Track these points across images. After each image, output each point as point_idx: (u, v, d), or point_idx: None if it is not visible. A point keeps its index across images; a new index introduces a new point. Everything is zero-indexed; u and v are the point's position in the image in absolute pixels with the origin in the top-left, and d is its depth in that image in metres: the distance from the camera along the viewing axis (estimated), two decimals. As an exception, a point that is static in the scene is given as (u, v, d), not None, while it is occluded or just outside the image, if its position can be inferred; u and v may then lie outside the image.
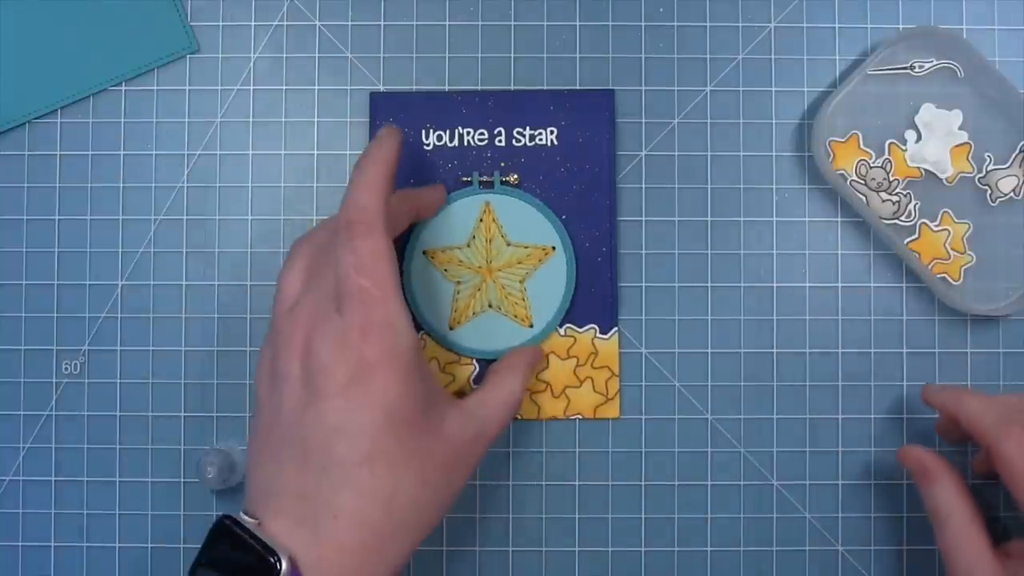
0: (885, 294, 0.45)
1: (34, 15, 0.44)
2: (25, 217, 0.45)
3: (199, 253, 0.45)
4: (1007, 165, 0.44)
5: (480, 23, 0.45)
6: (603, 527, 0.44)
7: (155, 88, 0.45)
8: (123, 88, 0.45)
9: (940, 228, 0.44)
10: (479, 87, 0.45)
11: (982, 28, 0.45)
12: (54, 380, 0.44)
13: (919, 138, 0.44)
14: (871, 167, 0.43)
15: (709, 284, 0.44)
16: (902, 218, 0.44)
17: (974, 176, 0.44)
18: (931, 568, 0.44)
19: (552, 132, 0.44)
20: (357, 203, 0.35)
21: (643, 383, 0.44)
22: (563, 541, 0.44)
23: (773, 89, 0.45)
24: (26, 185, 0.45)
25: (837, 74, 0.45)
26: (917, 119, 0.44)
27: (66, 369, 0.45)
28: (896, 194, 0.43)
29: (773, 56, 0.45)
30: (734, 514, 0.44)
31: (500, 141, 0.44)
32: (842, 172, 0.44)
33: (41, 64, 0.44)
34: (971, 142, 0.44)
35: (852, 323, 0.44)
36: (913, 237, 0.44)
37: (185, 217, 0.45)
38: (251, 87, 0.45)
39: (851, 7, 0.45)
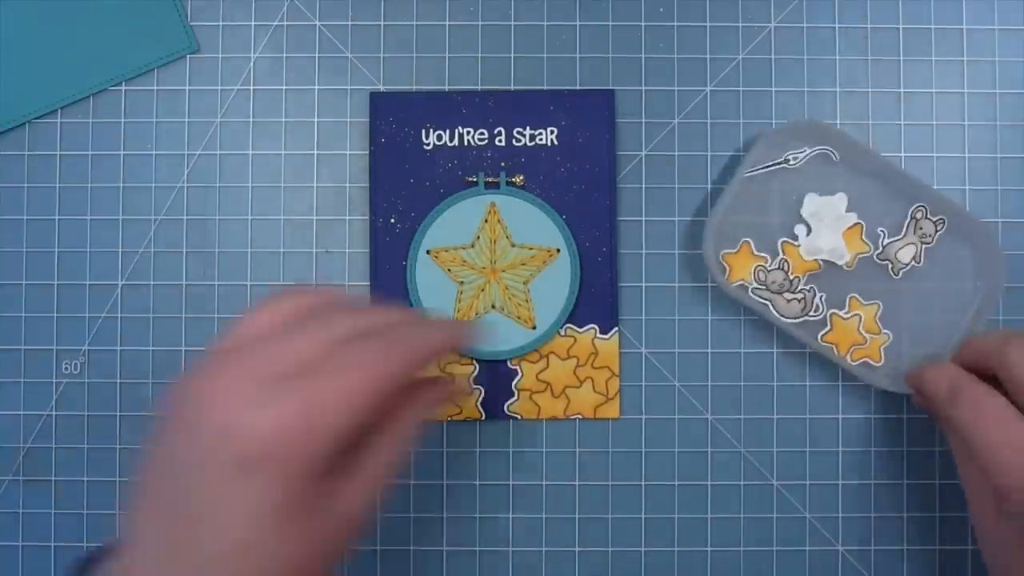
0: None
1: (34, 15, 0.44)
2: (25, 217, 0.45)
3: (199, 253, 0.45)
4: (902, 235, 0.43)
5: (480, 23, 0.45)
6: (603, 527, 0.44)
7: (155, 88, 0.45)
8: (123, 88, 0.45)
9: (851, 315, 0.43)
10: (479, 87, 0.45)
11: (982, 28, 0.45)
12: (54, 380, 0.44)
13: (809, 230, 0.43)
14: (769, 271, 0.43)
15: (709, 284, 0.44)
16: (811, 314, 0.43)
17: (872, 254, 0.43)
18: (931, 568, 0.44)
19: (552, 132, 0.44)
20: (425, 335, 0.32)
21: (643, 383, 0.44)
22: (563, 541, 0.44)
23: (773, 89, 0.45)
24: (26, 185, 0.45)
25: (710, 176, 0.45)
26: (803, 211, 0.43)
27: (66, 369, 0.44)
28: (800, 291, 0.43)
29: (773, 56, 0.45)
30: (734, 514, 0.44)
31: (500, 141, 0.44)
32: (741, 282, 0.43)
33: (41, 64, 0.44)
34: (861, 221, 0.43)
35: (852, 323, 0.45)
36: (826, 330, 0.43)
37: (185, 217, 0.45)
38: (251, 87, 0.45)
39: (851, 7, 0.45)
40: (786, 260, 0.43)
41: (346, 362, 0.30)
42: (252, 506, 0.29)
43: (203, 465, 0.29)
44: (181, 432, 0.30)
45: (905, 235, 0.43)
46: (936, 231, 0.43)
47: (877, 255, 0.44)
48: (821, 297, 0.43)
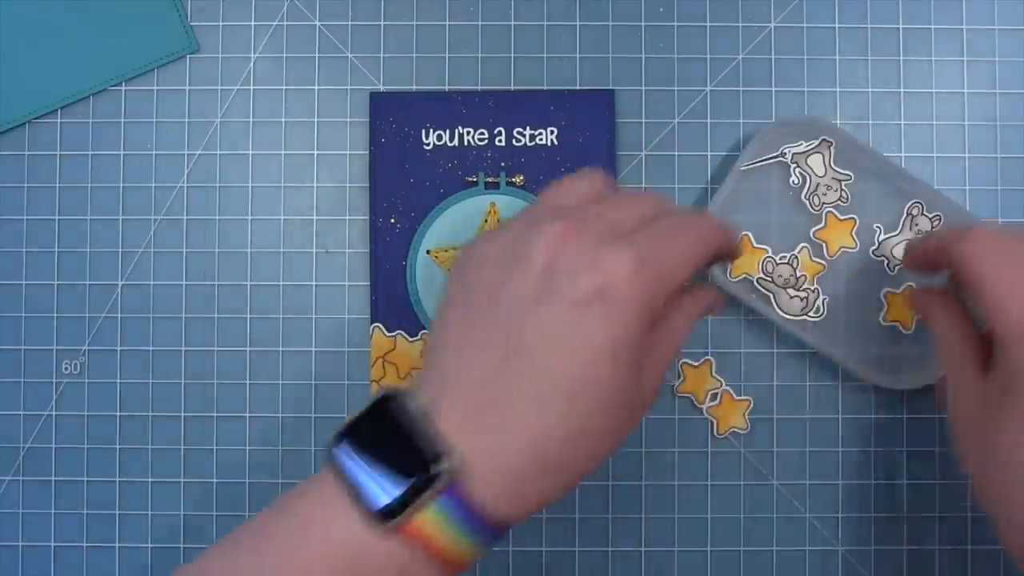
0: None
1: (34, 15, 0.44)
2: (25, 217, 0.45)
3: (199, 253, 0.45)
4: (897, 232, 0.43)
5: (480, 23, 0.45)
6: (603, 527, 0.44)
7: (155, 88, 0.45)
8: (123, 88, 0.45)
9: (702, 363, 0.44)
10: (479, 87, 0.45)
11: (982, 28, 0.45)
12: (54, 380, 0.44)
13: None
14: (777, 264, 0.43)
15: (711, 279, 0.44)
16: (810, 314, 0.43)
17: (861, 251, 0.43)
18: (931, 568, 0.44)
19: (552, 132, 0.44)
20: (712, 225, 0.34)
21: (643, 383, 0.44)
22: (563, 541, 0.44)
23: (773, 89, 0.45)
24: (26, 185, 0.45)
25: (710, 176, 0.45)
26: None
27: (66, 369, 0.44)
28: (804, 290, 0.43)
29: (773, 56, 0.45)
30: (734, 514, 0.44)
31: (500, 141, 0.44)
32: (744, 276, 0.43)
33: (41, 64, 0.44)
34: (854, 217, 0.44)
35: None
36: (679, 381, 0.44)
37: (185, 217, 0.45)
38: (251, 87, 0.45)
39: (851, 7, 0.45)
40: (796, 256, 0.43)
41: (674, 227, 0.32)
42: (596, 340, 0.30)
43: (549, 300, 0.30)
44: (518, 271, 0.31)
45: (901, 231, 0.43)
46: (932, 228, 0.43)
47: (873, 251, 0.44)
48: (823, 300, 0.43)
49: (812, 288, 0.43)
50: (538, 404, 0.30)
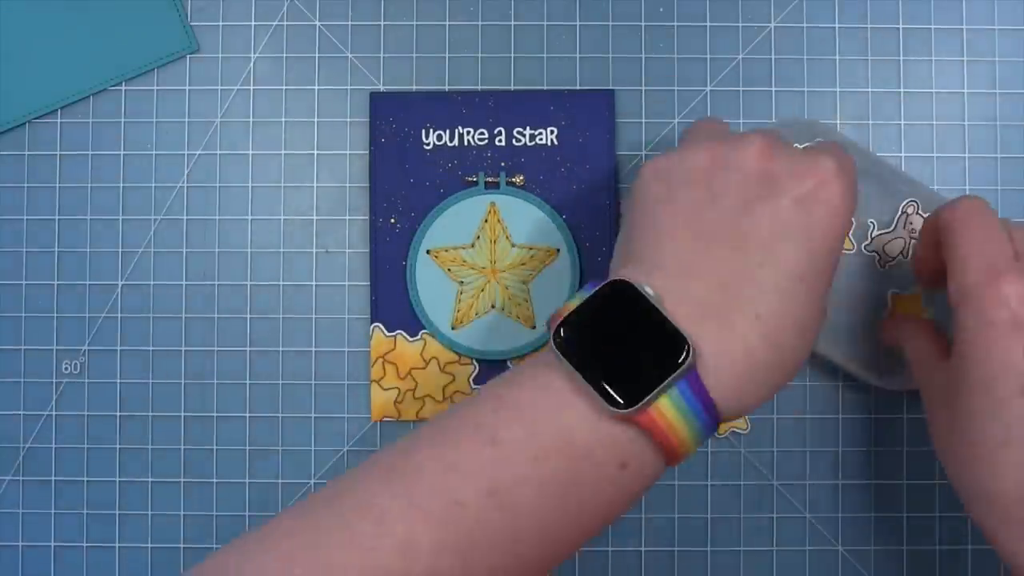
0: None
1: (34, 15, 0.44)
2: (25, 217, 0.45)
3: (199, 253, 0.45)
4: (891, 229, 0.44)
5: (480, 23, 0.45)
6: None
7: (155, 88, 0.45)
8: (123, 88, 0.45)
9: None
10: (479, 87, 0.45)
11: (982, 28, 0.45)
12: (54, 380, 0.44)
13: None
14: None
15: (709, 284, 0.44)
16: None
17: (859, 248, 0.43)
18: (931, 568, 0.44)
19: (552, 132, 0.44)
20: None
21: (643, 383, 0.44)
22: (563, 541, 0.44)
23: (773, 89, 0.45)
24: (26, 185, 0.45)
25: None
26: None
27: (66, 369, 0.44)
28: None
29: (773, 56, 0.45)
30: (734, 514, 0.44)
31: (500, 141, 0.44)
32: None
33: (41, 64, 0.44)
34: (851, 218, 0.43)
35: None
36: None
37: (185, 217, 0.45)
38: (251, 87, 0.45)
39: (851, 7, 0.45)
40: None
41: (836, 150, 0.34)
42: (822, 230, 0.31)
43: (775, 196, 0.32)
44: (737, 174, 0.32)
45: (894, 229, 0.43)
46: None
47: (865, 246, 0.44)
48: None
49: None
50: (773, 290, 0.31)
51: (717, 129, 0.37)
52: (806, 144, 0.43)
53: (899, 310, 0.43)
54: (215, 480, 0.44)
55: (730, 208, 0.32)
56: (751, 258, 0.31)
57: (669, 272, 0.31)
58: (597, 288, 0.31)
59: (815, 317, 0.32)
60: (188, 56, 0.45)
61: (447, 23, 0.45)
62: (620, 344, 0.30)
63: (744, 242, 0.31)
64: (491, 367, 0.44)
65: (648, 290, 0.30)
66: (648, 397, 0.29)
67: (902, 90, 0.45)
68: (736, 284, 0.31)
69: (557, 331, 0.30)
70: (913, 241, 0.43)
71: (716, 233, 0.32)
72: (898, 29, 0.45)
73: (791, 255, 0.31)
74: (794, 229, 0.31)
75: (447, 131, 0.44)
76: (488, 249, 0.44)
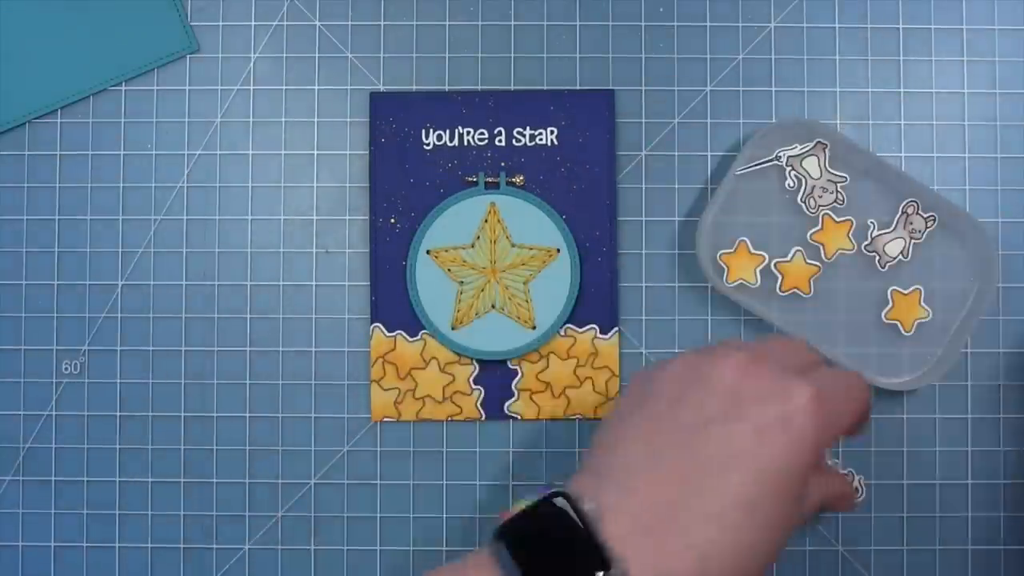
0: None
1: (34, 15, 0.44)
2: (25, 217, 0.45)
3: (199, 253, 0.45)
4: (891, 228, 0.44)
5: (480, 23, 0.45)
6: (603, 527, 0.44)
7: (155, 88, 0.45)
8: (123, 88, 0.45)
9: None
10: (479, 87, 0.45)
11: (982, 28, 0.45)
12: (54, 380, 0.44)
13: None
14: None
15: (709, 284, 0.44)
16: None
17: (860, 248, 0.44)
18: (931, 568, 0.44)
19: (552, 132, 0.44)
20: (865, 385, 0.35)
21: (643, 383, 0.44)
22: (563, 541, 0.44)
23: (773, 89, 0.45)
24: (26, 185, 0.45)
25: (710, 176, 0.45)
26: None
27: (66, 369, 0.45)
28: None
29: (773, 56, 0.45)
30: (734, 514, 0.44)
31: (500, 141, 0.44)
32: (740, 282, 0.43)
33: (41, 64, 0.44)
34: (851, 218, 0.44)
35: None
36: None
37: (185, 217, 0.45)
38: (251, 87, 0.45)
39: (851, 7, 0.45)
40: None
41: (838, 377, 0.34)
42: (777, 464, 0.31)
43: (735, 420, 0.31)
44: (704, 389, 0.32)
45: (894, 229, 0.43)
46: (927, 227, 0.43)
47: (865, 246, 0.44)
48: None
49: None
50: (715, 518, 0.30)
51: (727, 343, 0.36)
52: (796, 149, 0.43)
53: (894, 311, 0.43)
54: (215, 480, 0.44)
55: (687, 426, 0.32)
56: (701, 482, 0.31)
57: (615, 484, 0.31)
58: (542, 497, 0.31)
59: (769, 540, 0.31)
60: (188, 56, 0.45)
61: (447, 23, 0.45)
62: (557, 553, 0.30)
63: (692, 464, 0.31)
64: (491, 367, 0.44)
65: (590, 505, 0.31)
66: None
67: (902, 90, 0.45)
68: (674, 508, 0.30)
69: (500, 533, 0.31)
70: (914, 242, 0.44)
71: (666, 450, 0.32)
72: (898, 29, 0.45)
73: (736, 485, 0.31)
74: (745, 458, 0.31)
75: (447, 131, 0.44)
76: (488, 249, 0.44)
